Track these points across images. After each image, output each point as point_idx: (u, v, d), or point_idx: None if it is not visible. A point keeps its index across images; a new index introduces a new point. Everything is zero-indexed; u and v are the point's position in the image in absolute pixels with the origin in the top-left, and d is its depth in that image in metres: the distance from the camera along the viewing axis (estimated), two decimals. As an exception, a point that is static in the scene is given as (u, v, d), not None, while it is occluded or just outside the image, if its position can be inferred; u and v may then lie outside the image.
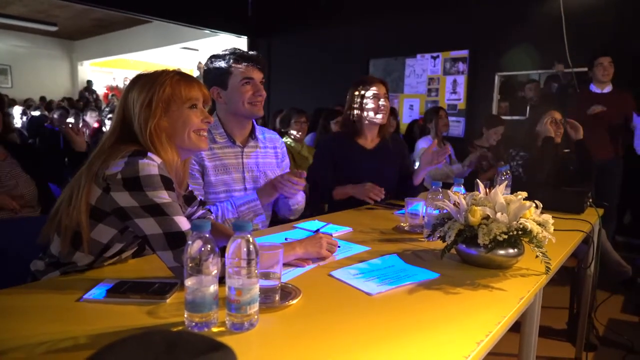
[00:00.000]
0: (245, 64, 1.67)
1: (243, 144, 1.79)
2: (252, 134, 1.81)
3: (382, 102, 2.20)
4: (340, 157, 2.24)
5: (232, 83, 1.68)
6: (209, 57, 1.77)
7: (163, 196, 1.06)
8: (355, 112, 2.24)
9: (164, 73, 1.20)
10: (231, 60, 1.68)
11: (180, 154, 1.24)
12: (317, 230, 1.62)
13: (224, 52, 1.72)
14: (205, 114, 1.25)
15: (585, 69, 3.85)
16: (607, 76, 3.64)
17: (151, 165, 1.07)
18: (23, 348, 0.76)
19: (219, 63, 1.70)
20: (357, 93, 2.23)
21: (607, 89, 3.68)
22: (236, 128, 1.77)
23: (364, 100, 2.21)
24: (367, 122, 2.24)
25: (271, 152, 1.88)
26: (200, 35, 8.89)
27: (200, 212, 1.48)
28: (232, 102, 1.70)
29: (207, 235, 0.83)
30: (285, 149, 1.97)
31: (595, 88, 3.73)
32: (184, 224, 1.07)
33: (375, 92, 2.19)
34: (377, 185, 2.11)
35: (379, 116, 2.21)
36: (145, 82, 1.18)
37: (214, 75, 1.71)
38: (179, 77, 1.21)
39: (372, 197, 2.08)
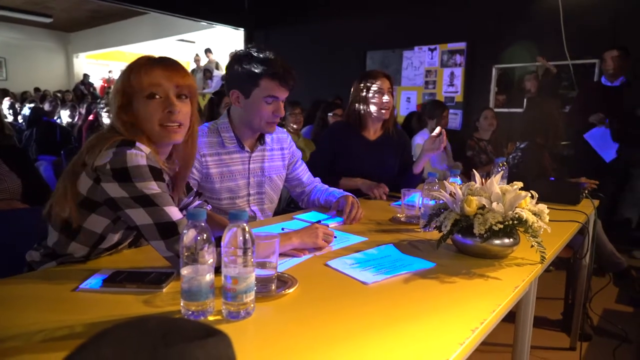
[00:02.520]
0: (276, 80, 1.56)
1: (251, 149, 1.73)
2: (260, 139, 1.76)
3: (385, 98, 2.20)
4: (343, 147, 2.24)
5: (256, 95, 1.58)
6: (238, 54, 1.62)
7: (152, 187, 1.06)
8: (360, 105, 2.23)
9: (134, 62, 1.15)
10: (263, 72, 1.55)
11: (157, 147, 1.19)
12: (319, 222, 1.63)
13: (257, 56, 1.57)
14: (168, 102, 1.14)
15: (582, 62, 3.86)
16: (614, 69, 3.65)
17: (139, 155, 1.07)
18: (20, 337, 0.77)
19: (249, 68, 1.56)
20: (361, 86, 2.22)
21: (618, 82, 3.68)
22: (247, 134, 1.71)
23: (368, 95, 2.21)
24: (370, 116, 2.24)
25: (278, 155, 1.84)
26: (196, 27, 8.83)
27: (197, 202, 1.47)
28: (248, 113, 1.62)
29: (203, 224, 0.83)
30: (294, 146, 1.93)
31: (605, 80, 3.74)
32: (174, 213, 1.07)
33: (380, 87, 2.18)
34: (378, 177, 2.13)
35: (383, 111, 2.21)
36: (121, 73, 1.16)
37: (239, 78, 1.59)
38: (142, 63, 1.14)
39: (376, 194, 2.09)
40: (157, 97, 1.14)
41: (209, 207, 1.54)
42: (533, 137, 2.70)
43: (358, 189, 2.16)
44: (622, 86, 3.66)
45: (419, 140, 3.88)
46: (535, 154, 2.66)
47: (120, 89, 1.13)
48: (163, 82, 1.14)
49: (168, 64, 1.16)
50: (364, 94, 2.21)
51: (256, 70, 1.55)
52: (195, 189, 1.48)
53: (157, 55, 1.19)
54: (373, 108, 2.21)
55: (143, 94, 1.13)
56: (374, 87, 2.19)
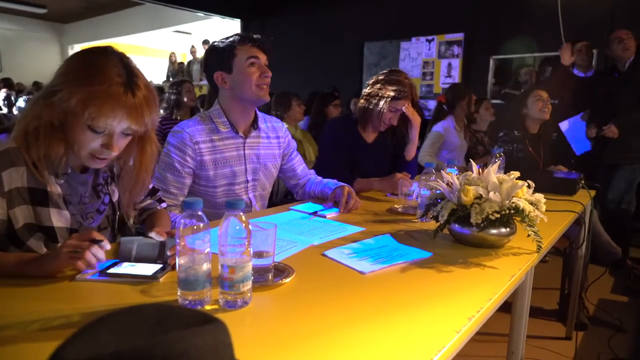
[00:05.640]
0: (250, 43, 1.60)
1: (245, 135, 1.71)
2: (254, 123, 1.74)
3: (395, 117, 2.15)
4: (343, 143, 2.20)
5: (237, 64, 1.59)
6: (210, 44, 1.68)
7: None
8: (372, 107, 2.15)
9: (106, 70, 0.99)
10: (235, 41, 1.60)
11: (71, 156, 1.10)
12: (315, 213, 1.63)
13: (226, 37, 1.64)
14: (109, 140, 1.04)
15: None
16: (584, 60, 3.62)
17: None
18: (16, 326, 0.76)
19: (222, 45, 1.62)
20: (386, 93, 2.11)
21: (590, 72, 3.66)
22: (240, 116, 1.69)
23: (385, 109, 2.12)
24: (372, 120, 2.18)
25: (274, 143, 1.83)
26: (193, 18, 8.76)
27: (149, 201, 1.39)
28: (237, 86, 1.62)
29: (200, 213, 0.83)
30: (289, 135, 1.92)
31: (577, 71, 3.71)
32: None
33: (398, 108, 2.12)
34: (374, 177, 2.09)
35: (382, 125, 2.17)
36: (78, 71, 1.00)
37: (217, 59, 1.62)
38: (115, 87, 0.99)
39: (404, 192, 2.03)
40: (98, 133, 1.03)
41: (164, 205, 1.45)
42: (520, 129, 2.70)
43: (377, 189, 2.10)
44: (594, 77, 3.60)
45: (439, 128, 3.56)
46: (518, 144, 2.67)
47: (68, 107, 0.98)
48: (116, 124, 1.02)
49: (136, 106, 1.01)
50: (383, 104, 2.11)
51: (228, 43, 1.61)
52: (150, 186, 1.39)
53: (123, 76, 1.01)
54: (379, 119, 2.14)
55: (86, 123, 1.01)
56: (394, 106, 2.11)
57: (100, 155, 1.07)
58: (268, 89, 1.65)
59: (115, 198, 1.26)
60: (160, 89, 8.35)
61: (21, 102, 6.83)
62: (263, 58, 1.63)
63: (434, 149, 3.49)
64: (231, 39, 1.62)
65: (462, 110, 3.58)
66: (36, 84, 10.30)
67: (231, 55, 1.60)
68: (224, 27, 8.78)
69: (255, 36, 1.63)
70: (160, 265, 1.02)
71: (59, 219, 1.10)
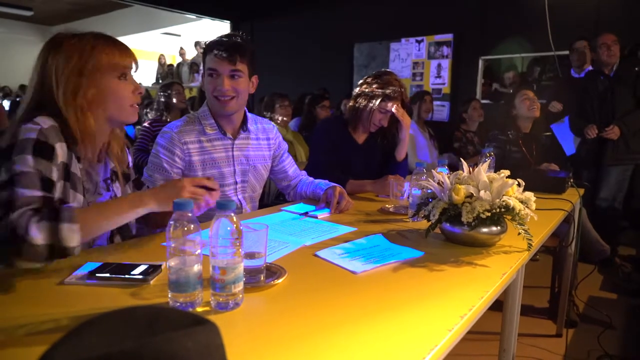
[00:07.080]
0: (211, 54, 1.56)
1: (234, 136, 1.71)
2: (243, 125, 1.73)
3: (384, 121, 2.15)
4: (335, 145, 2.19)
5: (204, 73, 1.63)
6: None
7: (24, 162, 1.00)
8: (362, 106, 2.14)
9: (89, 37, 1.14)
10: (207, 48, 1.59)
11: (108, 124, 1.20)
12: (306, 213, 1.62)
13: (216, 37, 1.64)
14: (136, 84, 1.20)
15: (567, 53, 3.89)
16: (580, 61, 3.66)
17: (31, 129, 1.03)
18: (3, 330, 0.75)
19: (204, 47, 1.63)
20: (375, 94, 2.10)
21: (583, 73, 3.69)
22: (223, 119, 1.69)
23: (375, 110, 2.11)
24: (361, 121, 2.18)
25: (264, 144, 1.82)
26: (182, 20, 8.72)
27: None
28: (206, 92, 1.65)
29: (190, 215, 0.82)
30: (280, 137, 1.90)
31: (574, 72, 3.76)
32: (20, 195, 0.98)
33: (388, 109, 2.11)
34: (364, 179, 2.09)
35: (373, 125, 2.16)
36: (71, 47, 1.12)
37: (202, 62, 1.66)
38: (105, 40, 1.15)
39: (396, 193, 1.99)
40: (125, 78, 1.17)
41: None
42: (513, 129, 2.73)
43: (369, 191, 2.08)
44: (585, 77, 3.62)
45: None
46: (512, 144, 2.69)
47: (97, 66, 1.11)
48: (131, 62, 1.17)
49: (118, 42, 1.18)
50: (372, 105, 2.11)
51: (205, 47, 1.61)
52: (147, 185, 1.41)
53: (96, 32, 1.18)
54: (369, 120, 2.14)
55: (116, 73, 1.14)
56: (384, 108, 2.11)
57: (136, 102, 1.21)
58: (228, 102, 1.61)
59: (119, 195, 1.29)
60: (148, 92, 8.31)
61: (6, 105, 6.75)
62: (223, 69, 1.56)
63: (413, 149, 3.72)
64: (209, 42, 1.61)
65: (417, 113, 4.11)
66: (22, 87, 10.18)
67: (204, 60, 1.62)
68: (213, 29, 8.75)
69: (221, 44, 1.56)
70: (151, 267, 1.00)
71: (73, 200, 1.13)
